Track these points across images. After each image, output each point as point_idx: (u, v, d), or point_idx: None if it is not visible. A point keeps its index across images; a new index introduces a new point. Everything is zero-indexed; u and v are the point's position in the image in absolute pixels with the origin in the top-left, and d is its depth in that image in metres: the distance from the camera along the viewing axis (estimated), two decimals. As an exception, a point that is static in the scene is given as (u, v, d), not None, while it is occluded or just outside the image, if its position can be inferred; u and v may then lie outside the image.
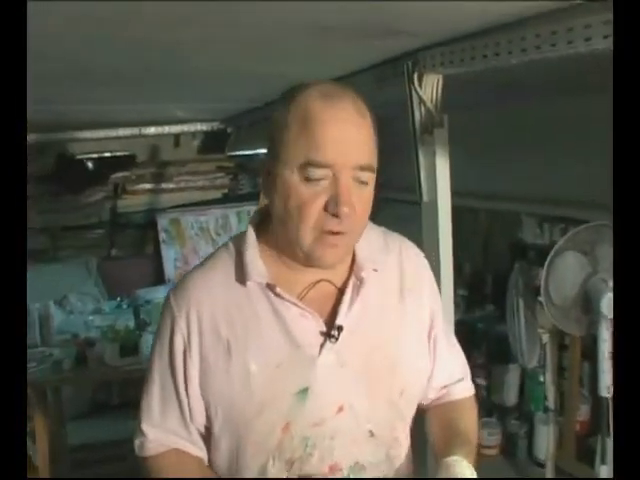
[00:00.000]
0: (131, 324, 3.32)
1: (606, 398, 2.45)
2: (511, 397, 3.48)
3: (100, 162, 4.85)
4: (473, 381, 1.48)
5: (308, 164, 1.10)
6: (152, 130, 4.66)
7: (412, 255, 1.35)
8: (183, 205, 4.95)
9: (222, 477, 1.26)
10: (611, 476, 2.35)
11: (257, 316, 1.19)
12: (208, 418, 1.22)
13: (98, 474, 3.52)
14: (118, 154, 4.92)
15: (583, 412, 3.23)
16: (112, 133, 4.51)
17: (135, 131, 4.61)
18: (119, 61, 2.05)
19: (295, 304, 1.19)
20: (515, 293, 2.83)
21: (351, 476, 1.20)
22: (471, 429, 1.34)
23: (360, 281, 1.23)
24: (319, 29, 1.72)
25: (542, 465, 3.11)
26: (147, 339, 3.15)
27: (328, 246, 1.14)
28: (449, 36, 1.83)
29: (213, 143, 4.93)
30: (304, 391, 1.17)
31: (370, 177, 1.15)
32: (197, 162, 5.14)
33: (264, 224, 1.26)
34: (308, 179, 1.11)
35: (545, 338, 2.85)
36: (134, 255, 4.97)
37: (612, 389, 2.47)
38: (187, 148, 5.09)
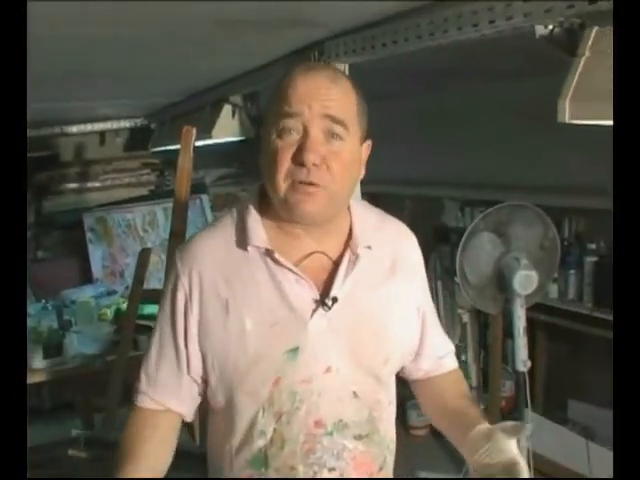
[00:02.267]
0: (55, 325, 3.27)
1: (523, 372, 2.55)
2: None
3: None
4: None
5: (280, 116, 1.20)
6: (75, 129, 4.59)
7: (404, 237, 1.44)
8: (109, 203, 4.86)
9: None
10: (529, 446, 2.45)
11: (255, 279, 1.28)
12: (205, 370, 1.31)
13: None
14: (41, 154, 4.80)
15: (507, 388, 3.33)
16: (34, 133, 4.42)
17: (57, 130, 4.54)
18: (40, 59, 2.03)
19: (291, 270, 1.26)
20: (434, 277, 2.91)
21: (334, 433, 1.28)
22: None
23: (356, 256, 1.30)
24: (232, 23, 1.75)
25: (469, 442, 3.19)
26: (71, 339, 3.10)
27: (301, 194, 1.20)
28: (351, 26, 1.88)
29: (137, 140, 4.87)
30: (295, 350, 1.26)
31: (344, 132, 1.21)
32: (122, 160, 5.07)
33: (265, 194, 1.32)
34: (281, 133, 1.20)
35: (465, 318, 2.93)
36: (61, 256, 4.85)
37: (529, 363, 2.57)
38: (112, 146, 5.02)
